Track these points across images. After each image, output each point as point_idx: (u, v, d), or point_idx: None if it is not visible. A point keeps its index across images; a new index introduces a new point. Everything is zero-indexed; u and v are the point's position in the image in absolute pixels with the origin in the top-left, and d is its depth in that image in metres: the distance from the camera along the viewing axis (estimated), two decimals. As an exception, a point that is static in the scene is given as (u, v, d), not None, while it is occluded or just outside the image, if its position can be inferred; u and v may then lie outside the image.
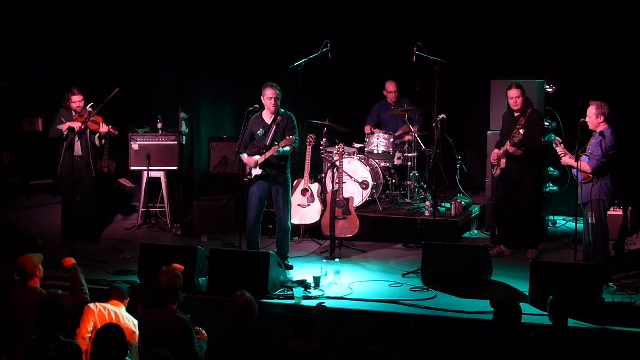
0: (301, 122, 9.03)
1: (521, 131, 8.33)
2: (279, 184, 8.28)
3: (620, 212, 8.78)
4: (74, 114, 9.18)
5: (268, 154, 8.11)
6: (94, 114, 9.13)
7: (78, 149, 9.20)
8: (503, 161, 8.60)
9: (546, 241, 9.25)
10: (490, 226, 9.46)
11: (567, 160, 7.74)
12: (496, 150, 8.73)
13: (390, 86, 10.57)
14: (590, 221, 7.62)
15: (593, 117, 7.60)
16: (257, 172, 8.21)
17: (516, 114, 8.61)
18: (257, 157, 8.16)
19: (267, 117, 8.27)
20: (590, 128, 7.65)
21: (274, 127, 8.22)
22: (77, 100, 9.17)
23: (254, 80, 9.24)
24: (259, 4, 11.29)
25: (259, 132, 8.23)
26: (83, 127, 9.05)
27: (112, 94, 9.00)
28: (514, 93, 8.58)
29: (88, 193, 9.33)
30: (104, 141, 9.44)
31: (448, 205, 9.65)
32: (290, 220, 8.53)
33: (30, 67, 11.83)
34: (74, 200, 9.29)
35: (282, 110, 8.28)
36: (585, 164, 7.60)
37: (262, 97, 8.21)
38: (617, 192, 7.88)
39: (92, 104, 9.21)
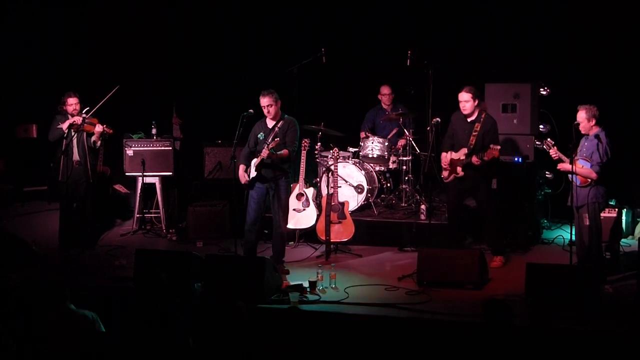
0: (295, 127, 9.03)
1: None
2: (275, 188, 8.28)
3: (613, 214, 8.72)
4: (70, 117, 9.16)
5: (261, 156, 8.11)
6: (90, 114, 9.12)
7: (76, 154, 9.19)
8: (459, 169, 8.27)
9: (540, 244, 9.27)
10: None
11: (565, 166, 7.59)
12: (446, 155, 8.36)
13: (385, 89, 10.56)
14: (585, 223, 7.61)
15: (584, 121, 7.57)
16: (252, 173, 8.22)
17: (469, 119, 8.31)
18: (253, 160, 8.18)
19: (270, 121, 8.32)
20: (583, 132, 7.62)
21: (274, 130, 8.24)
22: (73, 103, 9.16)
23: (248, 84, 9.22)
24: (254, 9, 11.29)
25: (259, 135, 8.28)
26: (82, 123, 9.03)
27: (112, 92, 8.99)
28: (462, 96, 8.23)
29: (84, 198, 9.31)
30: (99, 142, 9.40)
31: None
32: (286, 224, 8.52)
33: (24, 73, 11.80)
34: (71, 206, 9.28)
35: (286, 115, 8.32)
36: (589, 171, 7.50)
37: None
38: (611, 194, 7.87)
39: (87, 108, 9.21)
